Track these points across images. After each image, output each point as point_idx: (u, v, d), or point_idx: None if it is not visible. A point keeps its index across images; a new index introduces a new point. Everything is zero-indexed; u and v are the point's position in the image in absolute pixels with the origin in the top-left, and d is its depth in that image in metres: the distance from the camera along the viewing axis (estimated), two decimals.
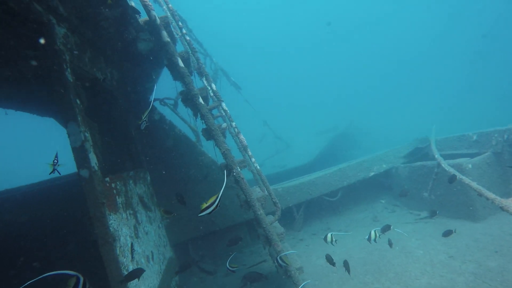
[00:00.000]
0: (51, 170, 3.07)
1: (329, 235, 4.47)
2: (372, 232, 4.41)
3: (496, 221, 5.80)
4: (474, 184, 4.34)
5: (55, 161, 3.10)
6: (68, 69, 3.65)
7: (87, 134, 3.79)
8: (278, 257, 4.00)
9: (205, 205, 2.87)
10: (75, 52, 4.07)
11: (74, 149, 3.58)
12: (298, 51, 58.86)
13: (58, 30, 3.64)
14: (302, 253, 6.67)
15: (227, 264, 4.35)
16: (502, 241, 5.13)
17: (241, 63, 51.22)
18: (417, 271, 4.90)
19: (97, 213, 3.65)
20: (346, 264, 4.33)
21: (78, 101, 3.76)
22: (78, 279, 2.40)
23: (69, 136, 3.57)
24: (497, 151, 6.35)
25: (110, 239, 3.74)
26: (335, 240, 4.54)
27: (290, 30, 59.55)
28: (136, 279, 3.91)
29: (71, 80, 3.65)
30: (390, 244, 4.90)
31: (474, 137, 6.91)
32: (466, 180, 4.62)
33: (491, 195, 3.85)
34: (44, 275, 2.27)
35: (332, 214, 8.42)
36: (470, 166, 6.08)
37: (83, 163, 3.60)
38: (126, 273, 3.95)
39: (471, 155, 6.70)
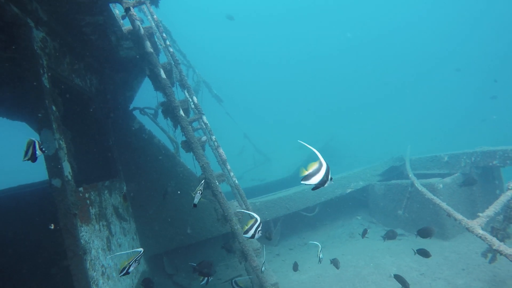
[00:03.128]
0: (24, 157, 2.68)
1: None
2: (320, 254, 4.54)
3: (464, 239, 6.03)
4: (444, 205, 4.51)
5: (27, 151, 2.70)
6: (45, 75, 3.55)
7: (61, 142, 3.67)
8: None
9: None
10: (53, 57, 3.98)
11: (47, 157, 3.46)
12: (280, 65, 59.80)
13: (36, 34, 3.55)
14: (278, 268, 6.63)
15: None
16: (469, 259, 5.33)
17: (223, 76, 51.45)
18: None
19: (68, 224, 3.51)
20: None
21: (54, 108, 3.66)
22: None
23: (41, 144, 3.44)
24: (466, 172, 6.66)
25: (80, 251, 3.60)
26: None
27: (273, 44, 60.65)
28: None
29: (48, 86, 3.55)
30: (336, 264, 5.03)
31: (445, 158, 7.22)
32: (437, 200, 4.80)
33: (459, 216, 4.02)
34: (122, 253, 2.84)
35: (309, 229, 8.47)
36: (441, 186, 6.33)
37: (56, 172, 3.47)
38: None
39: (443, 175, 6.98)
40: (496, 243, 3.27)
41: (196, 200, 3.11)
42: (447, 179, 6.51)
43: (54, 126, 3.52)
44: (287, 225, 8.37)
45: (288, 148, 20.95)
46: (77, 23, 4.18)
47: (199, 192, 3.10)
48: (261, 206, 7.44)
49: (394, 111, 36.66)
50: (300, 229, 8.48)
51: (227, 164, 4.94)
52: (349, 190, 8.18)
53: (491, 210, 3.91)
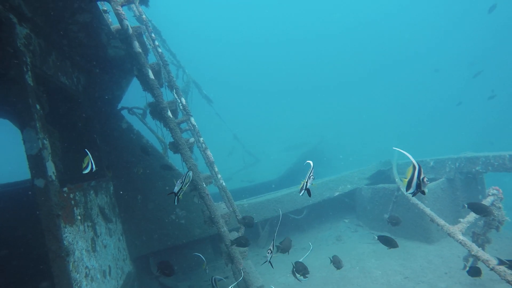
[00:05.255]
0: None
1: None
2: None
3: (448, 243, 6.14)
4: (427, 210, 4.59)
5: None
6: (29, 72, 3.48)
7: (45, 142, 3.60)
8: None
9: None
10: (38, 54, 3.90)
11: (30, 157, 3.39)
12: (271, 67, 59.89)
13: (19, 30, 3.49)
14: (265, 270, 6.63)
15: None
16: (451, 262, 5.44)
17: (214, 76, 51.38)
18: None
19: (51, 225, 3.45)
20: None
21: (38, 106, 3.59)
22: None
23: (24, 143, 3.37)
24: (450, 177, 6.79)
25: (63, 253, 3.54)
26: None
27: (263, 44, 60.75)
28: None
29: (31, 84, 3.48)
30: (338, 264, 4.80)
31: (431, 163, 7.35)
32: (421, 205, 4.87)
33: (441, 221, 4.09)
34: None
35: (296, 232, 8.50)
36: (426, 191, 6.43)
37: (39, 172, 3.41)
38: None
39: (429, 180, 7.09)
40: (475, 249, 3.35)
41: (176, 189, 2.94)
42: (432, 184, 6.63)
43: (37, 125, 3.46)
44: (275, 228, 8.39)
45: (278, 149, 21.04)
46: (63, 21, 4.11)
47: (179, 181, 2.96)
48: (249, 208, 7.43)
49: (383, 114, 37.11)
50: (288, 232, 8.50)
51: (215, 166, 4.93)
52: (337, 193, 8.24)
53: (472, 216, 4.00)
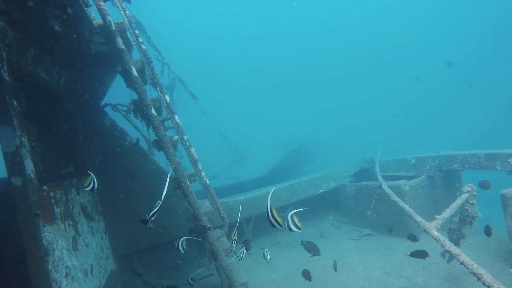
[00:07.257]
0: None
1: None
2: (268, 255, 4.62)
3: (427, 239, 6.32)
4: (406, 207, 4.73)
5: None
6: (5, 67, 3.39)
7: (23, 139, 3.52)
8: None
9: None
10: (15, 49, 3.80)
11: (6, 155, 3.31)
12: (258, 63, 59.79)
13: None
14: (249, 267, 6.69)
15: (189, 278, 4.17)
16: (429, 258, 5.60)
17: (200, 73, 50.95)
18: (356, 287, 5.16)
19: (29, 225, 3.38)
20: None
21: (15, 103, 3.50)
22: None
23: (0, 140, 3.29)
24: (430, 175, 7.00)
25: (41, 253, 3.48)
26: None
27: (250, 41, 60.60)
28: None
29: (8, 80, 3.39)
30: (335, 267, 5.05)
31: (412, 161, 7.55)
32: (401, 202, 5.02)
33: (418, 218, 4.23)
34: None
35: (281, 229, 8.58)
36: (407, 188, 6.61)
37: (16, 171, 3.34)
38: None
39: (410, 178, 7.29)
40: (447, 244, 3.49)
41: (150, 225, 3.10)
42: (413, 182, 6.81)
43: (15, 122, 3.38)
44: (260, 225, 8.45)
45: (265, 147, 21.12)
46: (42, 14, 4.01)
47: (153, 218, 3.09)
48: (234, 205, 7.46)
49: (370, 112, 37.66)
50: (272, 229, 8.55)
51: (199, 164, 4.93)
52: (321, 191, 8.36)
53: (447, 213, 4.15)
